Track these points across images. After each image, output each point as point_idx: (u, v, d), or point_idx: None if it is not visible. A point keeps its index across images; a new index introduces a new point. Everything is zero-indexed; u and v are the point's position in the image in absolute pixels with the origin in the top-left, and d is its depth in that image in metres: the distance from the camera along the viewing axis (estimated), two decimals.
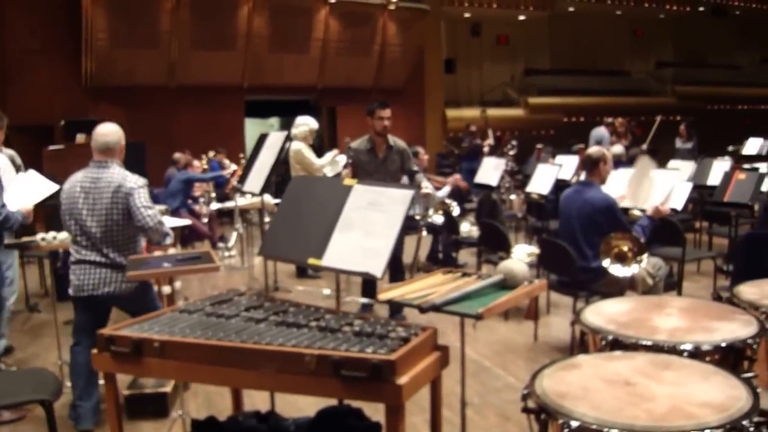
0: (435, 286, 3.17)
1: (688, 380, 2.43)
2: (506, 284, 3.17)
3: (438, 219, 7.70)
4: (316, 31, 16.34)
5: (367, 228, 3.12)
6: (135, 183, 4.37)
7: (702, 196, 8.68)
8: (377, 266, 3.01)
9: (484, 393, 4.97)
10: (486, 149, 13.70)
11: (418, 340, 2.62)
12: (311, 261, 3.25)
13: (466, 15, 20.46)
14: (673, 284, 6.32)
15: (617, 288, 5.31)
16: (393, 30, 17.31)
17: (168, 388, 4.80)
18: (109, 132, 4.46)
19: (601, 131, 12.91)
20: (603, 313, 3.16)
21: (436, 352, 2.72)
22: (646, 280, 5.41)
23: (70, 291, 4.44)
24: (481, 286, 3.12)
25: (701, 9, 23.67)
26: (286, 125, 15.00)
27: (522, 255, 6.70)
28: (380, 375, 2.43)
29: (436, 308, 2.90)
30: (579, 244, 5.41)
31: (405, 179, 6.81)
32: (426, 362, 2.63)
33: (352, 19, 16.62)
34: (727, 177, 7.54)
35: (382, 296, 3.08)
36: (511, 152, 10.90)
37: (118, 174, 4.38)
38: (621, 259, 5.06)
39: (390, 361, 2.43)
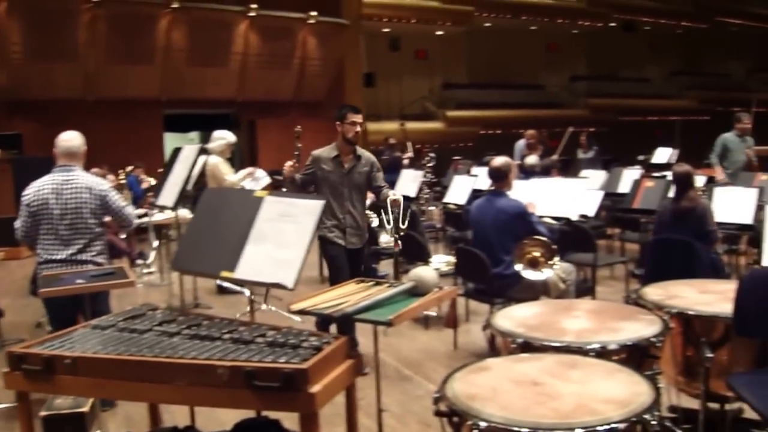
0: (347, 295, 3.19)
1: (593, 378, 2.50)
2: (417, 291, 3.21)
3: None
4: (235, 45, 16.25)
5: (279, 239, 3.13)
6: (106, 185, 4.86)
7: (614, 203, 8.93)
8: (289, 277, 3.02)
9: (406, 401, 5.00)
10: (406, 162, 13.80)
11: (330, 349, 2.64)
12: (224, 273, 3.24)
13: (385, 29, 20.64)
14: (587, 289, 6.48)
15: (532, 293, 5.41)
16: (313, 44, 17.34)
17: (86, 408, 4.69)
18: (72, 138, 4.88)
19: (523, 143, 13.13)
20: (513, 317, 3.22)
21: (349, 361, 2.74)
22: (558, 284, 5.53)
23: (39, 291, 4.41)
24: (392, 293, 3.15)
25: (612, 24, 24.35)
26: (206, 139, 14.84)
27: (440, 264, 6.79)
28: (293, 384, 2.44)
29: (348, 317, 2.92)
30: (494, 252, 5.51)
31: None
32: (339, 370, 2.66)
33: (271, 33, 16.58)
34: (637, 185, 7.80)
35: (294, 307, 3.09)
36: (430, 164, 11.01)
37: (86, 176, 4.82)
38: (534, 264, 5.18)
39: (302, 370, 2.44)
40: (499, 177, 5.77)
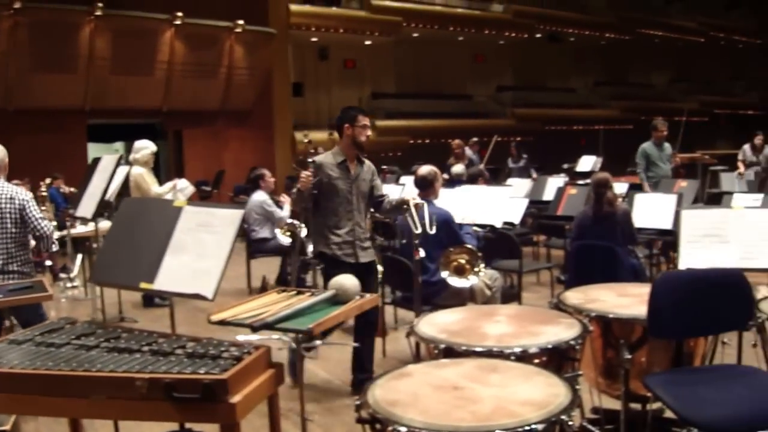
0: (269, 304, 3.17)
1: (512, 382, 2.53)
2: (338, 299, 3.21)
3: (285, 240, 7.66)
4: (161, 53, 16.01)
5: (198, 250, 3.09)
6: (26, 195, 4.90)
7: (539, 210, 9.07)
8: (208, 288, 2.98)
9: (334, 409, 4.99)
10: None
11: (250, 359, 2.61)
12: (143, 285, 3.19)
13: (314, 39, 20.62)
14: (513, 295, 6.57)
15: (459, 300, 5.45)
16: (240, 53, 17.21)
17: (7, 426, 4.56)
18: None
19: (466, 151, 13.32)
20: (436, 324, 3.25)
21: (271, 370, 2.73)
22: (484, 291, 5.59)
23: None
24: (314, 302, 3.15)
25: (538, 36, 24.77)
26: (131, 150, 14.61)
27: None
28: (213, 395, 2.41)
29: (269, 326, 2.90)
30: (421, 259, 5.53)
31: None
32: (260, 380, 2.64)
33: (197, 42, 16.40)
34: (560, 192, 7.95)
35: (214, 318, 3.05)
36: None
37: (8, 186, 4.88)
38: (460, 271, 5.22)
39: (222, 381, 2.42)
40: (425, 185, 5.81)
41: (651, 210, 6.90)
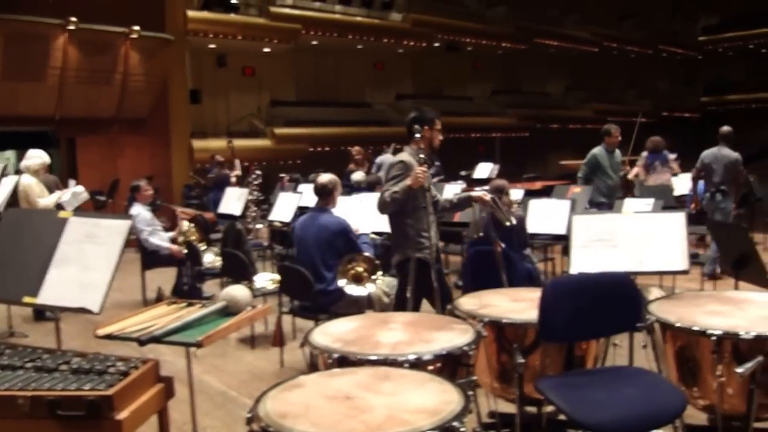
0: (158, 317, 3.10)
1: (404, 390, 2.53)
2: (229, 310, 3.15)
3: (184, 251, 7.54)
4: (53, 59, 15.47)
5: (84, 262, 2.99)
6: None
7: (438, 217, 9.12)
8: (94, 301, 2.89)
9: (231, 423, 4.91)
10: (233, 179, 13.62)
11: (137, 374, 2.55)
12: (27, 299, 3.07)
13: (211, 46, 20.31)
14: None
15: (356, 308, 5.45)
16: (136, 59, 16.79)
17: None
18: None
19: (386, 157, 13.35)
20: (330, 333, 3.22)
21: (160, 384, 2.66)
22: (382, 298, 5.61)
23: None
24: (204, 314, 3.09)
25: (436, 45, 25.06)
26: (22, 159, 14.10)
27: (266, 282, 6.73)
28: (98, 412, 2.35)
29: (156, 340, 2.83)
30: (317, 268, 5.51)
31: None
32: (148, 395, 2.58)
33: (92, 47, 15.92)
34: None
35: (100, 331, 2.96)
36: (256, 182, 10.91)
37: None
38: (357, 279, 5.22)
39: (107, 397, 2.35)
40: (324, 194, 5.79)
41: (545, 216, 7.05)
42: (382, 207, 5.03)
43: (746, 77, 35.43)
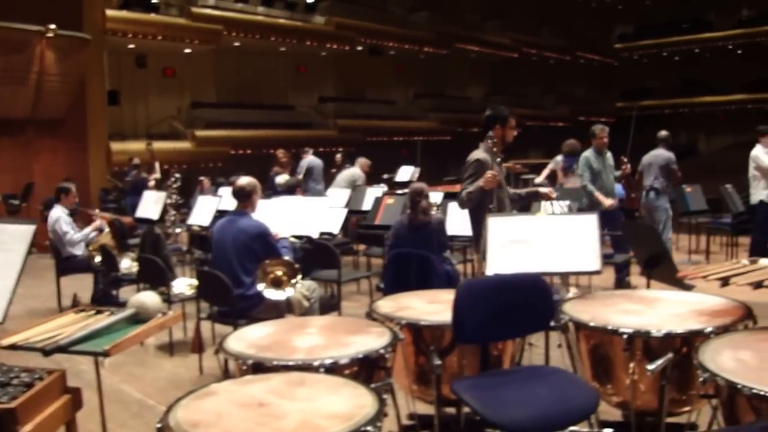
0: (65, 326, 3.00)
1: (319, 395, 2.50)
2: (139, 317, 3.08)
3: (95, 257, 7.36)
4: None
5: None
6: None
7: (358, 220, 9.15)
8: None
9: None
10: (152, 183, 13.36)
11: (42, 385, 2.46)
12: None
13: (131, 46, 19.94)
14: (333, 305, 6.57)
15: (276, 313, 5.39)
16: (51, 58, 16.32)
17: None
18: None
19: (309, 159, 13.24)
20: (245, 339, 3.18)
21: (66, 395, 2.58)
22: (302, 302, 5.56)
23: None
24: (112, 321, 3.00)
25: (359, 48, 25.11)
26: None
27: (184, 288, 6.60)
28: (1, 426, 2.24)
29: (62, 349, 2.74)
30: (236, 273, 5.43)
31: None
32: (54, 406, 2.50)
33: (5, 46, 15.39)
34: (378, 202, 8.06)
35: (4, 341, 2.85)
36: (175, 185, 10.72)
37: None
38: (277, 284, 5.17)
39: (10, 410, 2.26)
40: (243, 197, 5.71)
41: (464, 218, 7.10)
42: (461, 205, 5.38)
43: (660, 83, 36.54)
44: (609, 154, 8.48)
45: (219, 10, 20.77)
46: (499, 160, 5.33)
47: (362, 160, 11.85)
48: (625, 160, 8.54)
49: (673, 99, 32.96)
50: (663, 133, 9.05)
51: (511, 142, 5.48)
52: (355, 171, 11.60)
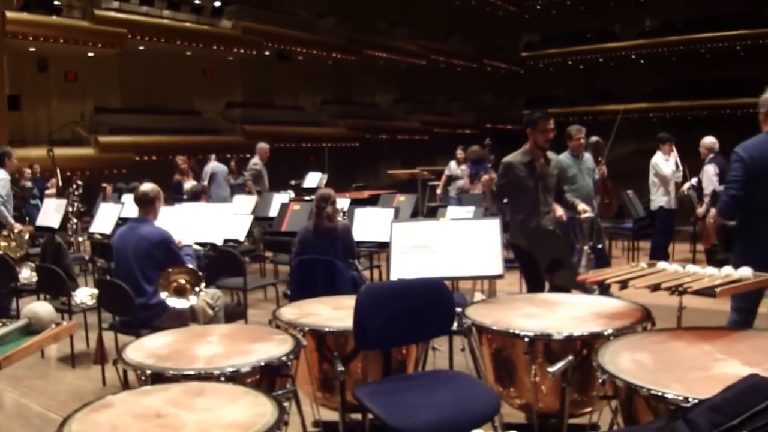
0: None
1: (218, 404, 2.48)
2: (32, 328, 2.99)
3: None
4: None
5: None
6: None
7: (265, 227, 9.09)
8: None
9: None
10: (52, 191, 12.97)
11: None
12: None
13: (32, 49, 19.36)
14: (239, 313, 6.51)
15: (180, 321, 5.30)
16: None
17: None
18: None
19: (214, 166, 13.04)
20: (144, 349, 3.13)
21: None
22: (206, 310, 5.48)
23: None
24: (4, 333, 2.90)
25: (267, 53, 24.96)
26: None
27: (85, 298, 6.45)
28: None
29: None
30: (137, 281, 5.32)
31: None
32: None
33: None
34: (284, 208, 8.03)
35: None
36: (77, 192, 10.42)
37: None
38: (180, 292, 5.08)
39: None
40: (145, 203, 5.60)
41: (371, 224, 7.15)
42: (490, 201, 6.12)
43: (564, 91, 37.53)
44: (587, 156, 8.03)
45: (123, 13, 20.36)
46: (543, 161, 5.68)
47: (262, 146, 11.82)
48: (602, 160, 8.58)
49: (577, 107, 33.83)
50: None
51: (546, 144, 5.69)
52: (254, 159, 11.62)
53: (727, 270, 3.45)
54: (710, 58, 33.78)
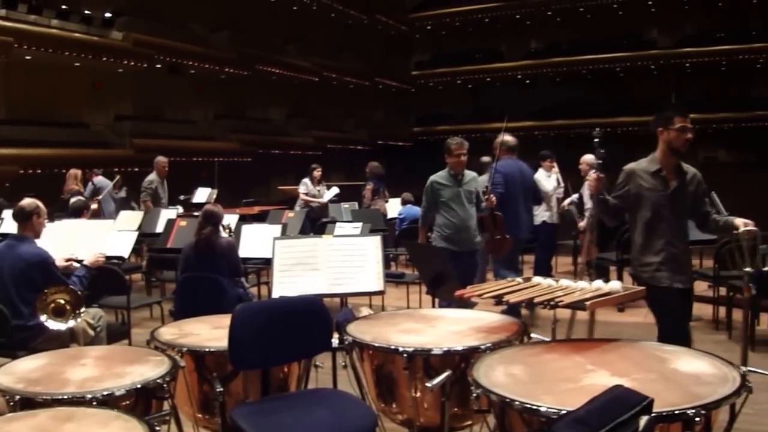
0: None
1: (87, 430, 2.46)
2: None
3: None
4: None
5: None
6: None
7: (151, 244, 8.94)
8: None
9: None
10: None
11: None
12: None
13: None
14: (124, 332, 6.37)
15: (59, 343, 5.16)
16: None
17: None
18: None
19: (99, 180, 12.67)
20: (15, 373, 3.06)
21: None
22: (87, 331, 5.35)
23: None
24: None
25: (158, 66, 24.52)
26: None
27: None
28: None
29: None
30: (14, 302, 5.16)
31: None
32: None
33: None
34: (171, 224, 7.92)
35: None
36: None
37: None
38: (60, 313, 4.95)
39: None
40: (23, 219, 5.43)
41: (257, 240, 7.13)
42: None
43: (454, 110, 38.30)
44: (473, 176, 6.77)
45: (9, 21, 19.58)
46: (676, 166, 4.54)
47: (159, 159, 11.50)
48: (486, 189, 6.85)
49: (466, 125, 34.46)
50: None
51: (683, 148, 4.47)
52: (150, 176, 11.30)
53: (598, 284, 3.62)
54: (592, 79, 35.08)
